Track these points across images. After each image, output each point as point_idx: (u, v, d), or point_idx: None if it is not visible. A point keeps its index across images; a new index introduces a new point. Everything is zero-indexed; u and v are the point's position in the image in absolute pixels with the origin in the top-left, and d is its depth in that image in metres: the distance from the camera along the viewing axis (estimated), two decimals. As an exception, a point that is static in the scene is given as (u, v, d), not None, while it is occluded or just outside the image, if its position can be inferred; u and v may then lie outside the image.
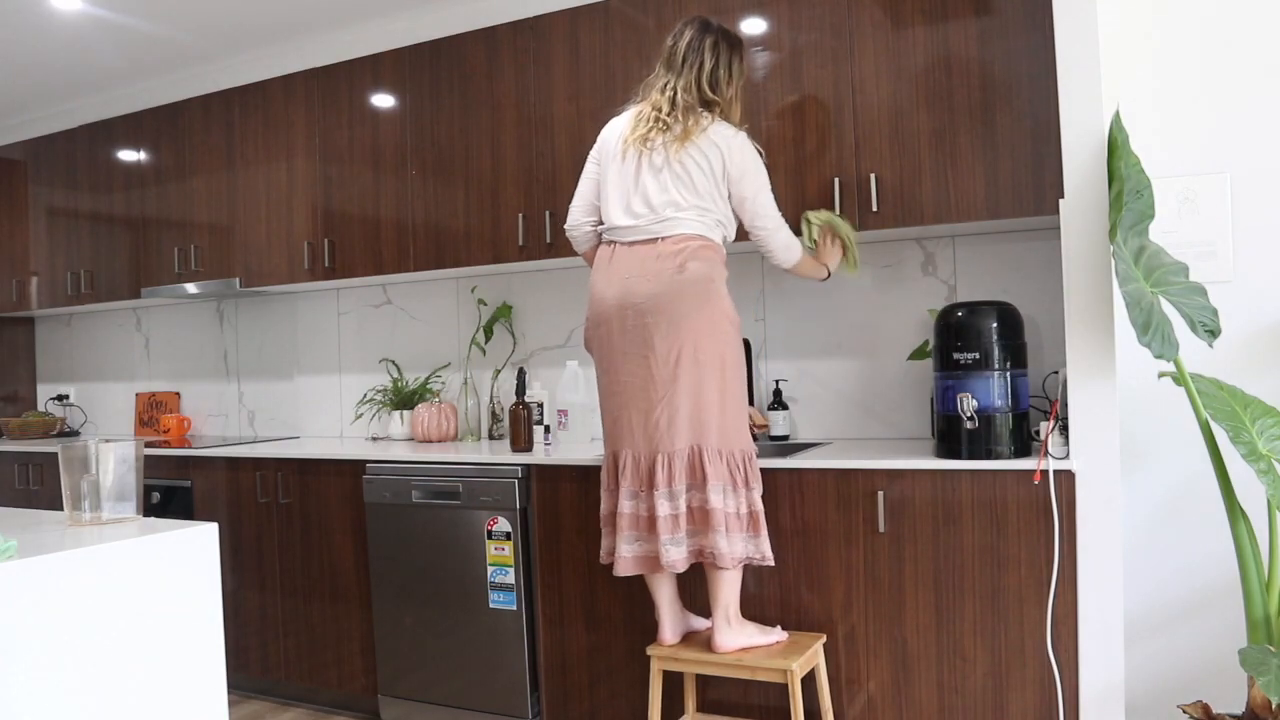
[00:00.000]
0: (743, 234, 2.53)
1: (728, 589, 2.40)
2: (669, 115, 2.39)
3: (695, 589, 2.62)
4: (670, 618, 2.51)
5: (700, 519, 2.34)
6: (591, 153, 2.60)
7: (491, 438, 3.66)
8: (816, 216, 2.67)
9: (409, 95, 3.46)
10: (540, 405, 3.36)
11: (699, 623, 2.57)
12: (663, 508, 2.32)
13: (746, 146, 2.42)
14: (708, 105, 2.42)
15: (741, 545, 2.34)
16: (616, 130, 2.52)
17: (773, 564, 2.40)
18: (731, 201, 2.45)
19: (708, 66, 2.41)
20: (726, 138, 2.39)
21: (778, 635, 2.47)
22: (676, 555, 2.32)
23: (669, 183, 2.38)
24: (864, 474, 2.50)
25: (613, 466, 2.44)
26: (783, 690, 2.54)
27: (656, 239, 2.39)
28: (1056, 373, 2.69)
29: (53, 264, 4.47)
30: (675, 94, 2.40)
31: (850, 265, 2.71)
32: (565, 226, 2.64)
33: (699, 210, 2.39)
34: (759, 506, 2.37)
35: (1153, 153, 2.59)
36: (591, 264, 2.58)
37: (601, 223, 2.54)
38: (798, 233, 2.65)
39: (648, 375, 2.35)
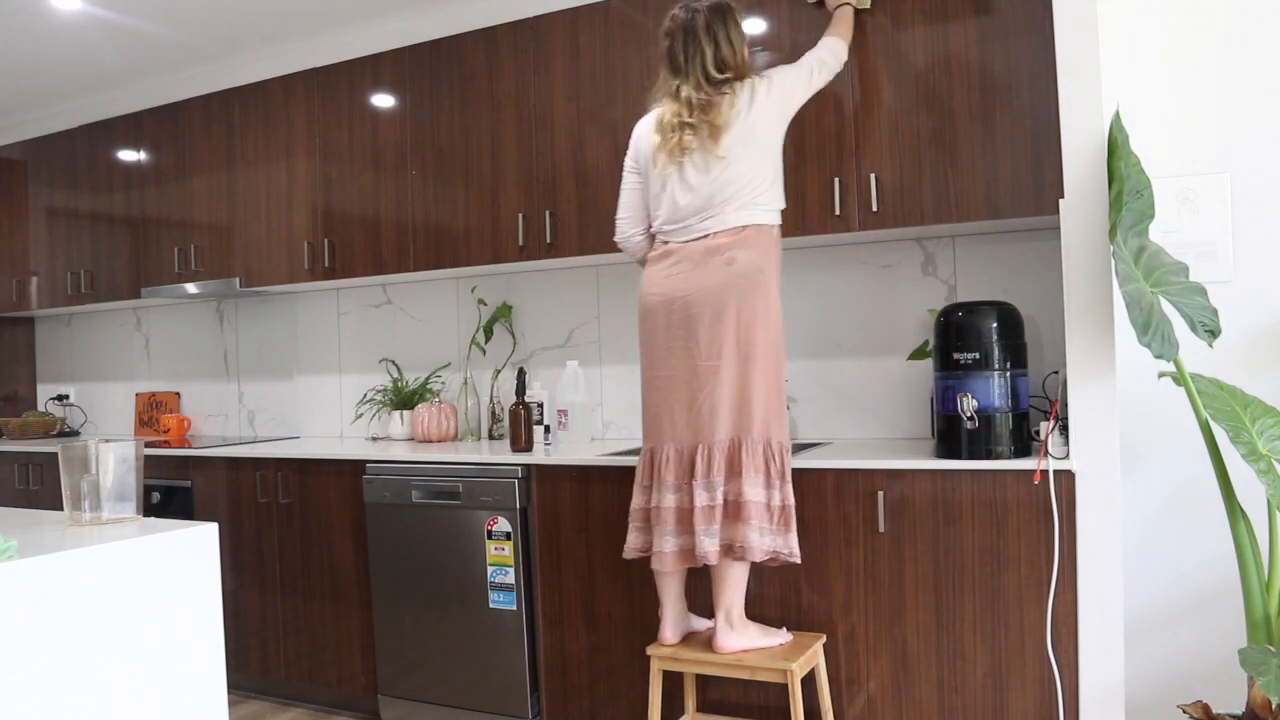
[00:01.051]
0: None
1: (730, 589, 2.39)
2: (691, 118, 2.38)
3: (696, 589, 2.62)
4: (673, 616, 2.51)
5: (733, 511, 2.32)
6: (627, 161, 2.59)
7: (491, 438, 3.66)
8: None
9: (409, 95, 3.46)
10: (540, 405, 3.35)
11: (700, 624, 2.57)
12: (700, 498, 2.30)
13: (766, 84, 2.40)
14: (724, 83, 2.40)
15: (770, 539, 2.32)
16: (647, 137, 2.50)
17: (799, 561, 2.36)
18: (801, 98, 2.48)
19: (709, 54, 2.39)
20: (749, 100, 2.38)
21: (782, 637, 2.47)
22: (710, 547, 2.30)
23: (716, 174, 2.36)
24: (864, 474, 2.50)
25: (650, 463, 2.42)
26: (783, 690, 2.54)
27: (707, 235, 2.38)
28: (1056, 373, 2.69)
29: (53, 264, 4.47)
30: (690, 96, 2.39)
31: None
32: (615, 239, 2.63)
33: (751, 194, 2.37)
34: (791, 501, 2.35)
35: (1153, 153, 2.59)
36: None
37: (649, 229, 2.55)
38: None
39: (691, 368, 2.35)
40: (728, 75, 2.40)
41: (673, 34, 2.44)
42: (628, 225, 2.59)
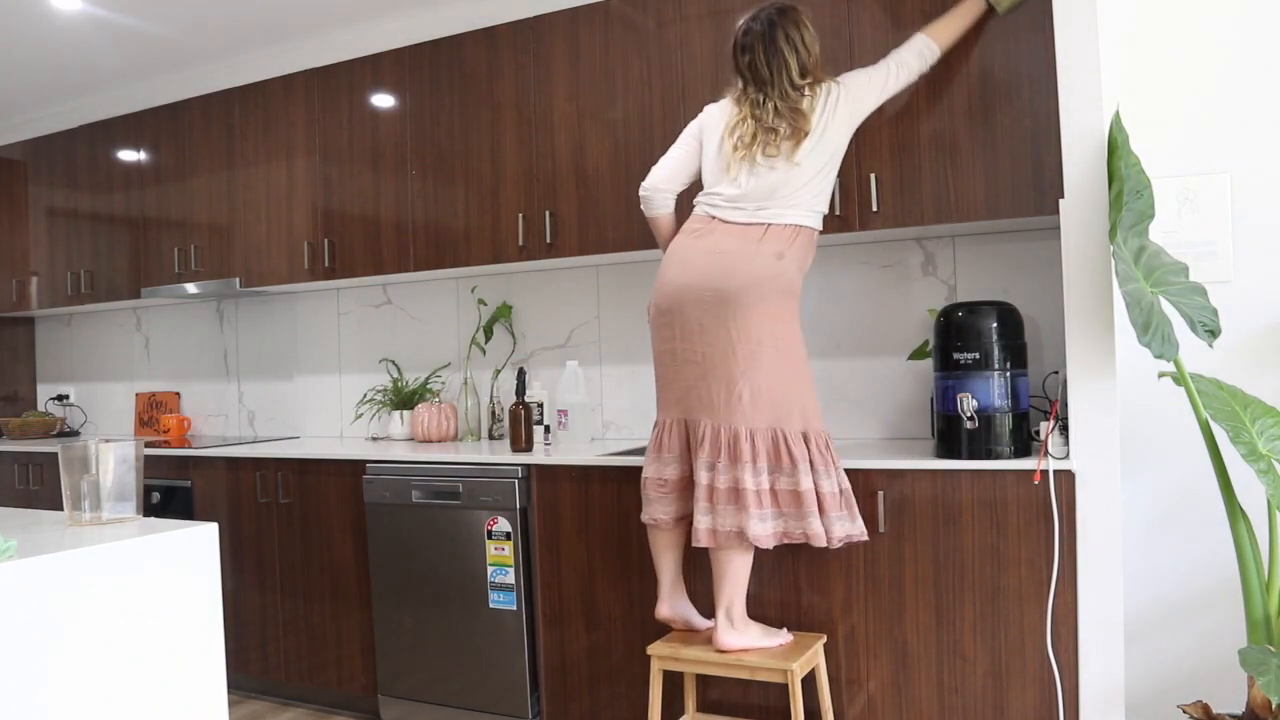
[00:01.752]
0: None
1: (731, 585, 2.38)
2: (773, 122, 2.38)
3: (697, 588, 2.62)
4: (669, 591, 2.52)
5: (790, 502, 2.33)
6: (692, 127, 2.57)
7: (491, 438, 3.66)
8: None
9: (409, 95, 3.46)
10: (540, 405, 3.36)
11: (701, 622, 2.57)
12: (748, 482, 2.30)
13: (840, 91, 2.41)
14: (804, 87, 2.40)
15: (839, 525, 2.33)
16: (715, 128, 2.49)
17: (867, 538, 2.39)
18: (879, 98, 2.48)
19: (793, 64, 2.38)
20: (823, 106, 2.39)
21: (783, 638, 2.46)
22: (761, 530, 2.30)
23: (786, 171, 2.37)
24: (864, 474, 2.49)
25: (684, 434, 2.43)
26: (783, 690, 2.54)
27: (763, 225, 2.38)
28: (1056, 373, 2.69)
29: (53, 264, 4.47)
30: (776, 105, 2.38)
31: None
32: (644, 186, 2.59)
33: (810, 196, 2.39)
34: (847, 485, 2.37)
35: (1153, 153, 2.59)
36: (660, 230, 2.60)
37: (679, 193, 2.56)
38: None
39: (729, 349, 2.34)
40: (808, 80, 2.41)
41: (752, 47, 2.41)
42: (663, 181, 2.56)
